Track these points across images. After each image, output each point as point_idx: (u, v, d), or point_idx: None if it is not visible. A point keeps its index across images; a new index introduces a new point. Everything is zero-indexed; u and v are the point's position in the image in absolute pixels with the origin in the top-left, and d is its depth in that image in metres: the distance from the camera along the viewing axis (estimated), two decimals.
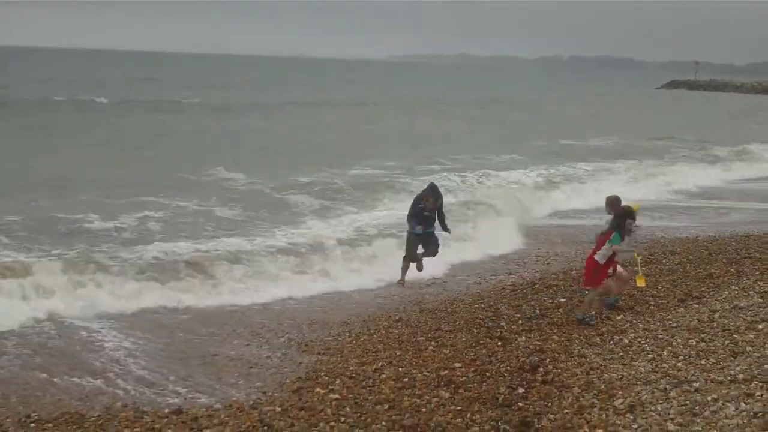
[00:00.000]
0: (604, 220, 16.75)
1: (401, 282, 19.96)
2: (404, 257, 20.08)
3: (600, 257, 15.69)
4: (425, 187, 20.37)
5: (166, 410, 12.14)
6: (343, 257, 21.51)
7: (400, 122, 67.91)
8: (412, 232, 19.78)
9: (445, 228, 20.29)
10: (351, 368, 13.70)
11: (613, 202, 17.08)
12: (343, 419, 11.55)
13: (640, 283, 16.37)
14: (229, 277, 19.41)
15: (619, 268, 16.26)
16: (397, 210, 26.75)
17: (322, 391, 12.64)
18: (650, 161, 45.51)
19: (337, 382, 13.04)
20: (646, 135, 62.42)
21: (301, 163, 39.13)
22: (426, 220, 19.88)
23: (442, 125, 67.27)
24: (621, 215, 15.81)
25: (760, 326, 14.19)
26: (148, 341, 15.52)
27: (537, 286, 19.09)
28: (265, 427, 11.34)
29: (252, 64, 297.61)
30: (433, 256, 20.23)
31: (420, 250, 20.01)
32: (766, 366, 11.98)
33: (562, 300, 17.61)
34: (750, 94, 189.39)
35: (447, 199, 22.35)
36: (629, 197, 31.16)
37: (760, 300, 16.30)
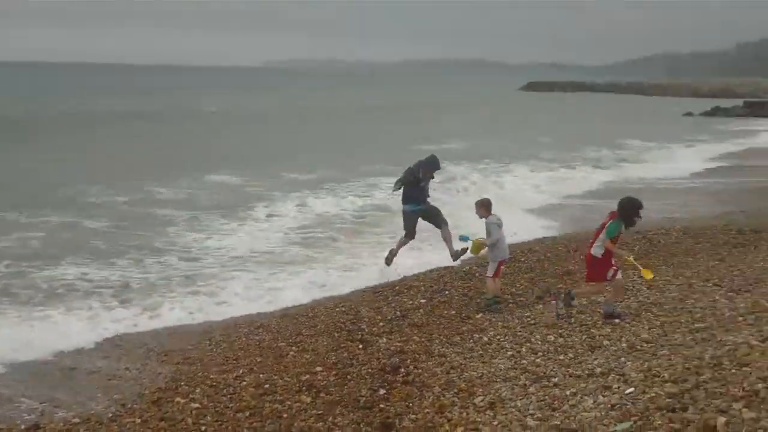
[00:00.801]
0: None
1: (391, 256, 20.06)
2: (405, 235, 20.01)
3: (596, 251, 15.01)
4: (425, 159, 19.94)
5: (23, 426, 11.84)
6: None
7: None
8: (409, 211, 19.80)
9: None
10: (211, 376, 13.55)
11: (485, 205, 17.17)
12: (203, 428, 11.43)
13: (647, 275, 15.43)
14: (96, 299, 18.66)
15: (618, 274, 15.28)
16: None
17: (183, 401, 12.47)
18: (528, 163, 46.53)
19: (197, 390, 12.88)
20: (522, 138, 63.60)
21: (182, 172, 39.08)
22: (422, 192, 19.78)
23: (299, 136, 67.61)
24: (630, 207, 14.79)
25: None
26: (2, 357, 15.11)
27: (397, 287, 19.10)
28: None
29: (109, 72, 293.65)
30: (447, 225, 20.04)
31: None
32: (622, 359, 12.22)
33: (422, 301, 17.68)
34: (604, 93, 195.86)
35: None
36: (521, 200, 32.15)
37: None
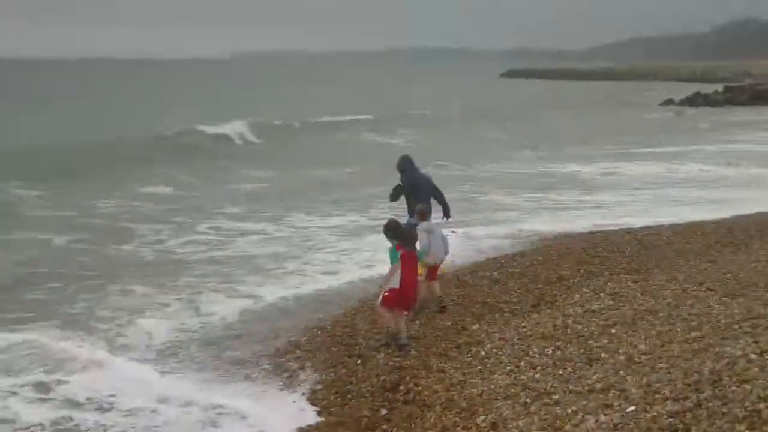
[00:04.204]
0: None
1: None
2: None
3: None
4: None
5: None
6: None
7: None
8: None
9: None
10: None
11: (419, 212, 17.24)
12: None
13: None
14: None
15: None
16: None
17: None
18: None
19: None
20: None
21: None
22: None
23: None
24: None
25: (613, 330, 14.43)
26: None
27: None
28: None
29: None
30: None
31: None
32: (621, 373, 12.23)
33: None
34: (585, 81, 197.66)
35: None
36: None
37: (611, 302, 16.57)
